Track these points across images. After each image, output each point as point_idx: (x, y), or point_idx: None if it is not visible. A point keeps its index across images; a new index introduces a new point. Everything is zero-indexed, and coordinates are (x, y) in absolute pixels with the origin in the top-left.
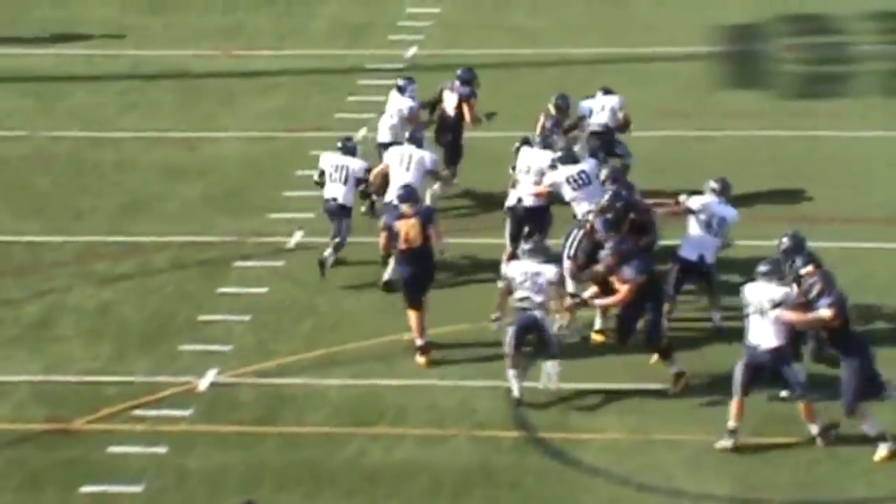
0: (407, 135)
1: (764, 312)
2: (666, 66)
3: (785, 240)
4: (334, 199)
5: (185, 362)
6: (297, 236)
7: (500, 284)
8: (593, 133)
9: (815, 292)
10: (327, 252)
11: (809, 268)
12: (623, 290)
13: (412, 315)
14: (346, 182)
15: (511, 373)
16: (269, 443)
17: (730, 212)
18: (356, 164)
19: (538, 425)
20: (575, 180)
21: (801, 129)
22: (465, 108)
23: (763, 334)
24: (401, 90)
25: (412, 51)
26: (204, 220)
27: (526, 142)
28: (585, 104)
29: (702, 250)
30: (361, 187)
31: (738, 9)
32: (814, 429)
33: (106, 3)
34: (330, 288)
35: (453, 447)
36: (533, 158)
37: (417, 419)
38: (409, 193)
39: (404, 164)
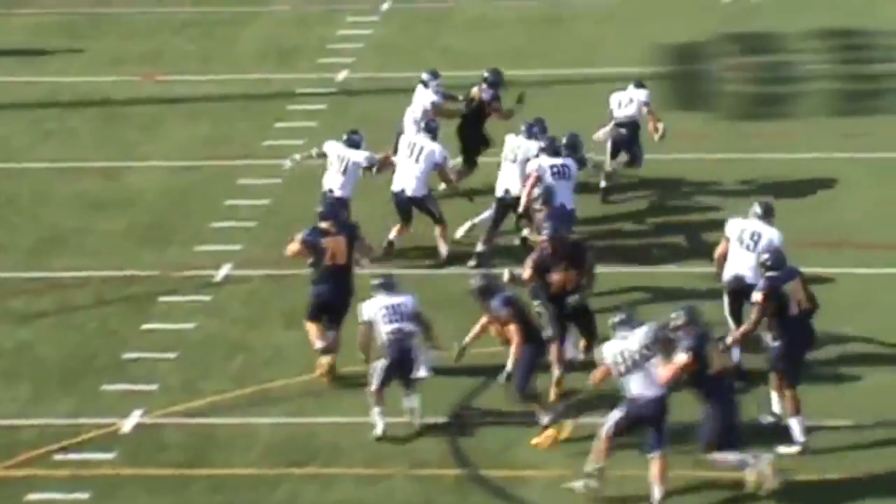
0: (422, 125)
1: (639, 359)
2: (607, 87)
3: (765, 255)
4: (331, 190)
5: (108, 403)
6: (226, 269)
7: (360, 326)
8: (618, 124)
9: (675, 325)
10: None
11: (759, 296)
12: (511, 330)
13: (312, 326)
14: (345, 173)
15: (376, 410)
16: (198, 486)
17: (769, 230)
18: (357, 156)
19: (480, 462)
20: (558, 172)
21: (747, 151)
22: (492, 112)
23: (644, 385)
24: (425, 84)
25: (343, 74)
26: (127, 253)
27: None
28: (615, 96)
29: (738, 270)
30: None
31: (680, 28)
32: (657, 493)
33: (20, 28)
34: (261, 322)
35: (391, 487)
36: (520, 146)
37: (353, 458)
38: (331, 210)
39: (414, 154)
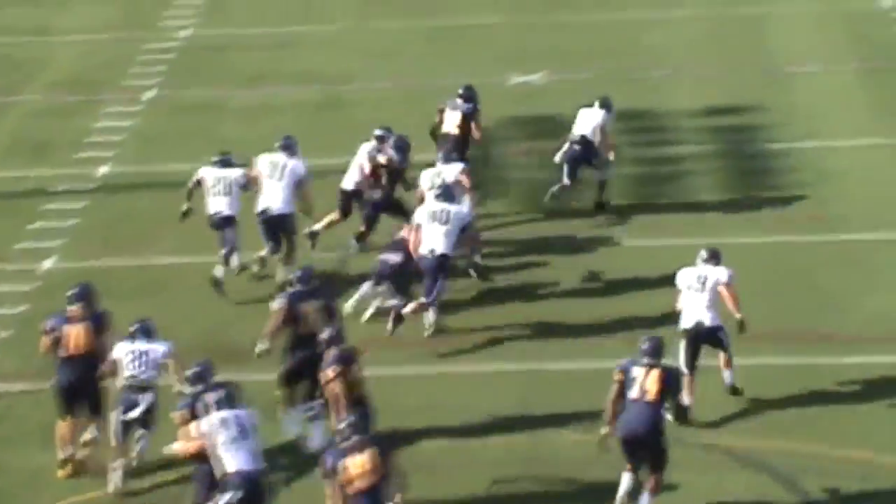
0: (279, 144)
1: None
2: None
3: (646, 342)
4: (218, 213)
5: None
6: None
7: (103, 367)
8: (573, 141)
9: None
10: (218, 270)
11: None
12: (184, 431)
13: (63, 426)
14: (228, 193)
15: (119, 463)
16: None
17: (717, 270)
18: (235, 174)
19: None
20: (433, 215)
21: (554, 233)
22: (473, 126)
23: (248, 457)
24: (379, 139)
25: (104, 168)
26: None
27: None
28: (582, 112)
29: (697, 316)
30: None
31: None
32: None
33: None
34: (17, 441)
35: None
36: (440, 172)
37: None
38: (82, 292)
39: (277, 174)
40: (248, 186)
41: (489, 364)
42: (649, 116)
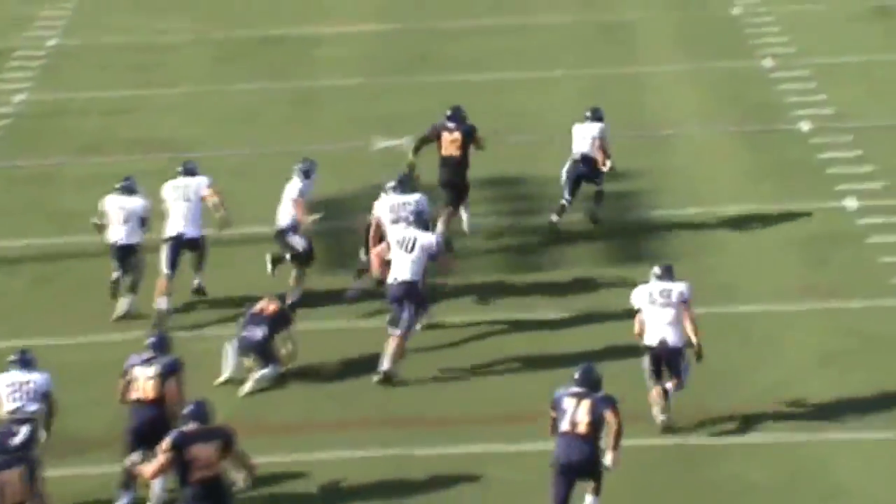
0: (180, 169)
1: None
2: (250, 248)
3: (577, 372)
4: (116, 242)
5: None
6: None
7: None
8: (576, 160)
9: None
10: (124, 303)
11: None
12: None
13: None
14: (127, 222)
15: None
16: None
17: (676, 284)
18: (137, 204)
19: None
20: (403, 243)
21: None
22: (476, 142)
23: None
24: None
25: None
26: None
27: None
28: (577, 128)
29: (661, 333)
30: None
31: (326, 180)
32: None
33: None
34: None
35: None
36: (406, 202)
37: None
38: None
39: (181, 195)
40: (147, 222)
41: (354, 450)
42: (520, 183)
